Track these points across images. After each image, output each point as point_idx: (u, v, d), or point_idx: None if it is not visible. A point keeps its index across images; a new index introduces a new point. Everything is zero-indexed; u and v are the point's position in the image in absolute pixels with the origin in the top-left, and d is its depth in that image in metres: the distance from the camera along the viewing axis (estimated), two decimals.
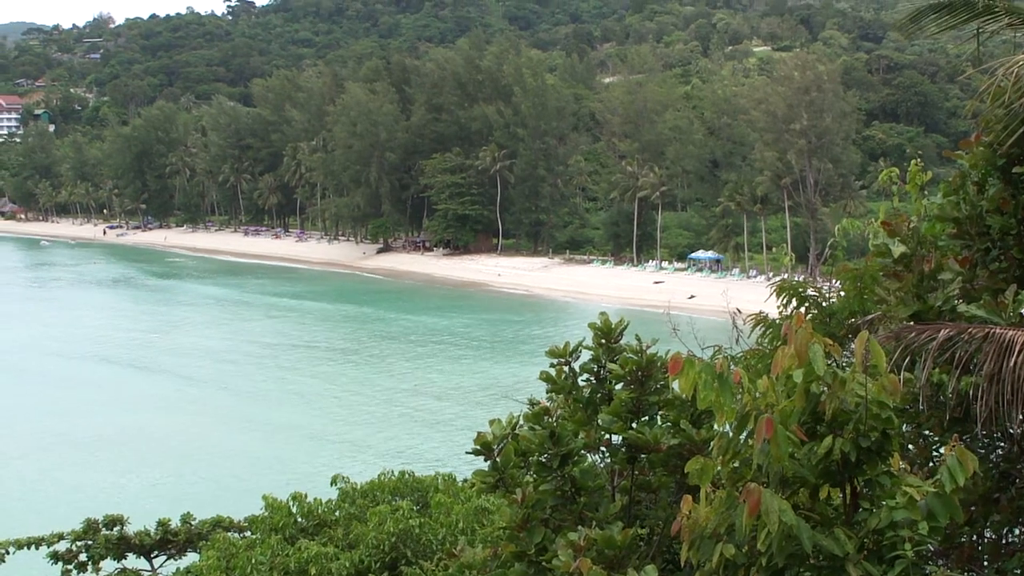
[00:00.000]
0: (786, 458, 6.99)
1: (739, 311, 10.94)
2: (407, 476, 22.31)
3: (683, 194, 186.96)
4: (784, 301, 10.91)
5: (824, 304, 11.14)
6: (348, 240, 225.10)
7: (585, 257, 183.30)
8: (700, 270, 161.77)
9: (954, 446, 7.17)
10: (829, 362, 7.24)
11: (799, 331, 7.12)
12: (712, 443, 9.06)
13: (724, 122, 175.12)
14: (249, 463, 77.71)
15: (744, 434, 7.23)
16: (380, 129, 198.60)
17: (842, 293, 11.11)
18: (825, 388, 7.20)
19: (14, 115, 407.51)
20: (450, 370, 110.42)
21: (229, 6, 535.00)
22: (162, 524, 26.42)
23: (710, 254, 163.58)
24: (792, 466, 7.14)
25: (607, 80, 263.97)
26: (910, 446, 10.16)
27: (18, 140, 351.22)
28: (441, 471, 24.42)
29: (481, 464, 10.86)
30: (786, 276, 12.24)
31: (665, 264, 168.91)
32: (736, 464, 7.35)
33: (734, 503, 7.03)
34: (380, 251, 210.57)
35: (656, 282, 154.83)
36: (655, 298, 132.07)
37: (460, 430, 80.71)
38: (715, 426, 9.62)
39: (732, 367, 7.38)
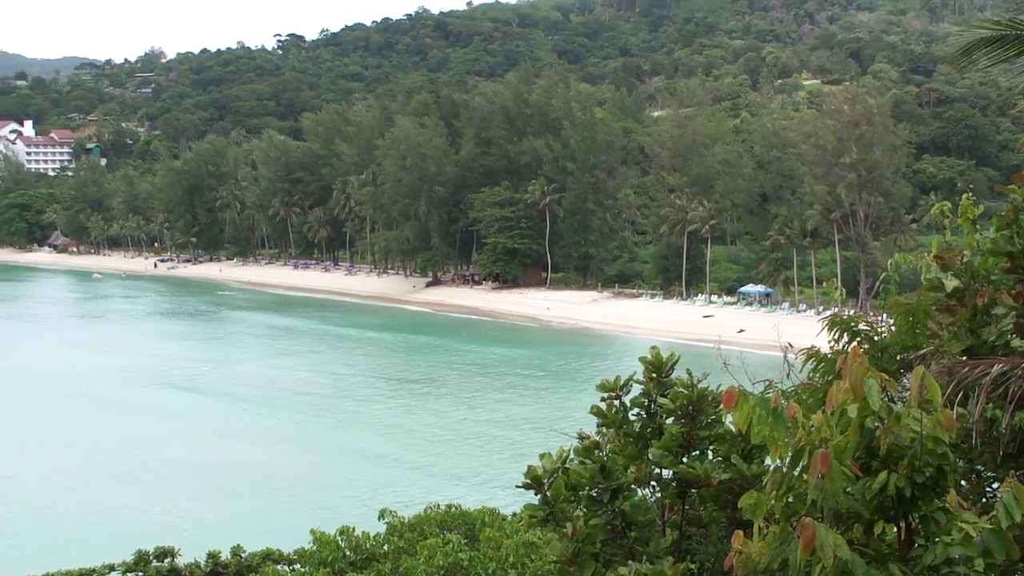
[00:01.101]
0: (840, 493, 6.94)
1: (791, 345, 10.89)
2: (454, 509, 22.33)
3: (732, 228, 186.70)
4: (836, 335, 10.85)
5: (876, 339, 11.07)
6: (397, 273, 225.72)
7: (634, 291, 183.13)
8: (749, 304, 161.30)
9: (1010, 482, 7.11)
10: (884, 397, 7.20)
11: (854, 366, 7.08)
12: (764, 478, 9.03)
13: (773, 155, 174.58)
14: (306, 492, 77.89)
15: (798, 469, 7.20)
16: (429, 163, 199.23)
17: (894, 327, 11.05)
18: (880, 423, 7.16)
19: (67, 149, 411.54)
20: (498, 403, 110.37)
21: (279, 40, 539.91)
22: (212, 556, 26.47)
23: (759, 288, 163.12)
24: (846, 501, 7.10)
25: (656, 114, 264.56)
26: (963, 482, 10.08)
27: (70, 174, 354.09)
28: (487, 504, 24.44)
29: (531, 498, 10.84)
30: (836, 310, 12.19)
31: (714, 298, 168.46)
32: (790, 499, 7.31)
33: (788, 538, 7.00)
34: (429, 284, 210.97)
35: (705, 316, 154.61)
36: (704, 332, 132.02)
37: (509, 462, 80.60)
38: (767, 461, 9.60)
39: (786, 402, 7.35)
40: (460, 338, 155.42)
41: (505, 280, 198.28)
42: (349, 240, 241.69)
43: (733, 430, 10.28)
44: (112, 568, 26.64)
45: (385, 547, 20.80)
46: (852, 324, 10.94)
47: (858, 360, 7.15)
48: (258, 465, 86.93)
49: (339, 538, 20.64)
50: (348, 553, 20.51)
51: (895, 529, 7.47)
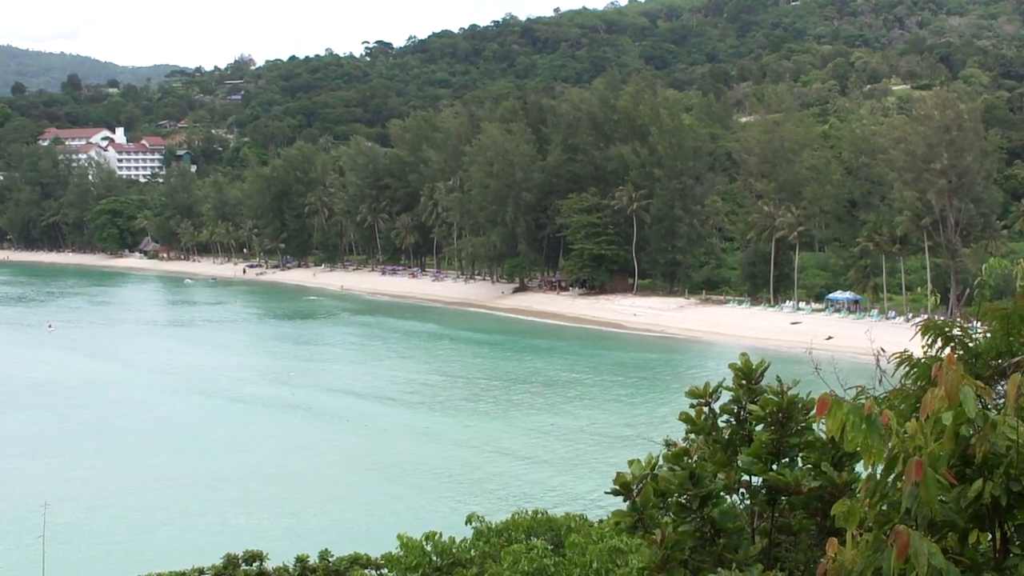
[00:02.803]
0: (935, 501, 6.85)
1: (883, 351, 10.77)
2: (540, 515, 22.29)
3: (821, 234, 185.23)
4: (929, 341, 10.73)
5: (970, 344, 10.92)
6: (484, 279, 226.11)
7: (721, 297, 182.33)
8: (838, 311, 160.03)
9: None
10: (979, 404, 7.09)
11: (949, 373, 6.98)
12: (854, 486, 8.93)
13: (862, 161, 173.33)
14: (396, 494, 78.18)
15: (892, 476, 7.10)
16: (516, 169, 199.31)
17: (988, 333, 10.89)
18: (975, 431, 7.05)
19: (157, 156, 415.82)
20: (586, 408, 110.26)
21: (367, 47, 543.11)
22: (300, 560, 26.65)
23: (848, 295, 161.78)
24: (941, 509, 6.99)
25: (744, 119, 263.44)
26: None
27: (161, 180, 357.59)
28: (572, 511, 24.41)
29: (619, 504, 10.80)
30: (927, 316, 12.02)
31: (802, 305, 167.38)
32: (884, 507, 7.22)
33: (881, 546, 6.91)
34: (516, 290, 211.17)
35: (793, 323, 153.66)
36: (792, 339, 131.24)
37: (596, 469, 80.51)
38: (857, 468, 9.50)
39: (879, 408, 7.25)
40: (547, 344, 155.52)
41: (592, 286, 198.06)
42: (436, 246, 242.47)
43: (823, 437, 10.20)
44: (202, 572, 26.90)
45: (471, 552, 20.81)
46: (946, 329, 10.81)
47: (953, 367, 7.06)
48: (347, 471, 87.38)
49: (425, 543, 20.66)
50: (435, 558, 20.52)
51: (990, 538, 7.36)
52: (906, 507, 6.94)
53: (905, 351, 9.73)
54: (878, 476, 7.21)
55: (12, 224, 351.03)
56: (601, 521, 21.72)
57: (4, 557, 44.83)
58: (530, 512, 22.42)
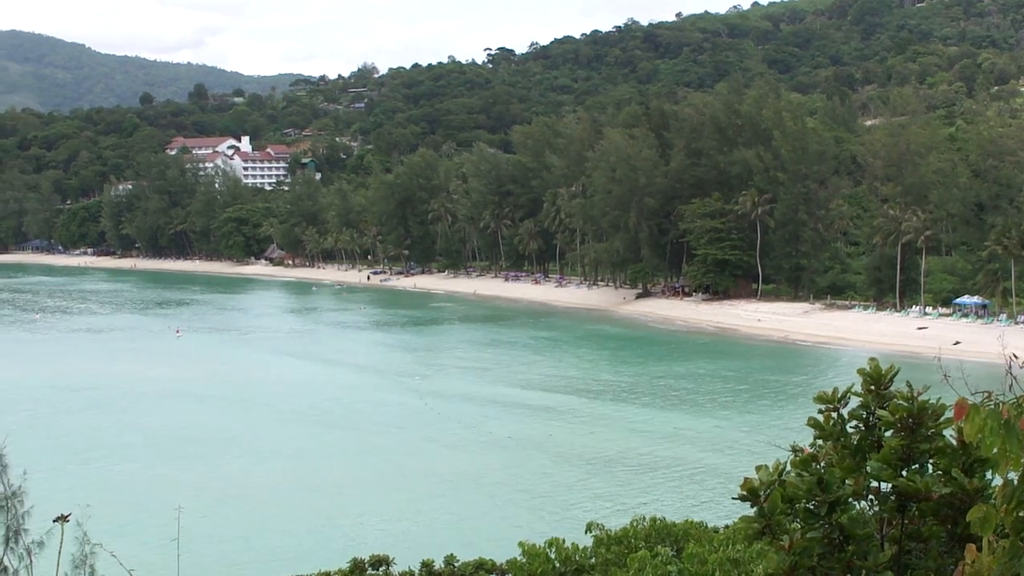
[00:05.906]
0: None
1: (1015, 356, 10.56)
2: (659, 522, 22.22)
3: (948, 238, 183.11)
4: None
5: None
6: (607, 285, 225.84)
7: (847, 303, 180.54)
8: (965, 316, 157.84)
9: None
10: None
11: None
12: (985, 492, 8.78)
13: (990, 164, 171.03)
14: (518, 502, 78.20)
15: None
16: (639, 174, 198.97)
17: None
18: None
19: (282, 164, 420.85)
20: (711, 412, 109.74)
21: (489, 54, 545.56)
22: (426, 565, 26.78)
23: (976, 299, 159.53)
24: None
25: (869, 123, 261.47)
26: None
27: (286, 188, 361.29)
28: (693, 518, 24.33)
29: (746, 509, 10.70)
30: None
31: (929, 310, 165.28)
32: (1021, 513, 7.08)
33: (1019, 552, 6.78)
34: (639, 296, 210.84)
35: (920, 328, 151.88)
36: (918, 344, 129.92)
37: (720, 473, 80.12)
38: (988, 474, 9.34)
39: (1016, 413, 7.12)
40: (671, 348, 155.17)
41: (715, 292, 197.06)
42: (559, 252, 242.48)
43: (954, 443, 10.07)
44: (328, 575, 27.10)
45: (592, 559, 20.78)
46: None
47: None
48: (480, 474, 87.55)
49: (548, 550, 20.65)
50: (558, 565, 20.51)
51: None
52: None
53: None
54: (1015, 482, 7.08)
55: (140, 232, 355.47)
56: (727, 527, 21.59)
57: (141, 559, 45.63)
58: (648, 519, 22.36)
